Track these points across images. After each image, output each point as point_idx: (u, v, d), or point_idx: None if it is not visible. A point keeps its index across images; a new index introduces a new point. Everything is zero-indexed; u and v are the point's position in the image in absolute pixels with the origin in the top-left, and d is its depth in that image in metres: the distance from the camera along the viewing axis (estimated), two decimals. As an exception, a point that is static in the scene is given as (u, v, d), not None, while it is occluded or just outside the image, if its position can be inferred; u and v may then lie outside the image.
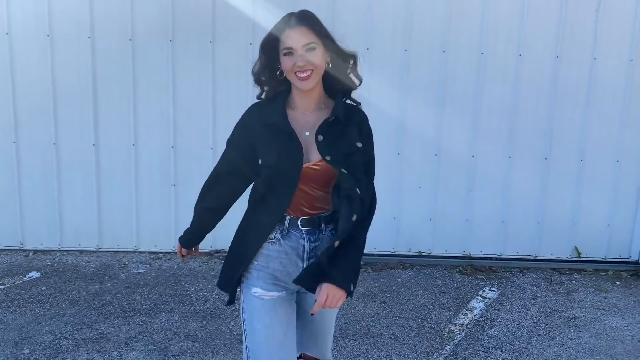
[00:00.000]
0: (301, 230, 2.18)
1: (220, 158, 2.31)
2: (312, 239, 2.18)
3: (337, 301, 2.05)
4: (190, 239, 2.56)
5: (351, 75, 2.21)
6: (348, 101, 2.24)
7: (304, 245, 2.18)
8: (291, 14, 2.11)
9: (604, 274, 5.76)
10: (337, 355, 4.00)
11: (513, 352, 4.11)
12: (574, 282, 5.54)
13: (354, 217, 2.08)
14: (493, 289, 5.30)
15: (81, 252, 5.93)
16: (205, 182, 2.37)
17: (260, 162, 2.14)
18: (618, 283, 5.55)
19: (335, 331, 3.60)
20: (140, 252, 5.95)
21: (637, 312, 4.89)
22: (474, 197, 5.81)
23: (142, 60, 5.59)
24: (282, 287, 2.25)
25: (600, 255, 5.90)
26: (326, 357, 2.45)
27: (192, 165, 5.76)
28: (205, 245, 5.69)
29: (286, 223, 2.20)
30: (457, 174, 5.75)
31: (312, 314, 2.15)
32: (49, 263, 5.66)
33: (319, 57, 2.09)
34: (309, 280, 2.07)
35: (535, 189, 5.78)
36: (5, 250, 5.92)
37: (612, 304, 5.06)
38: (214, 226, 2.47)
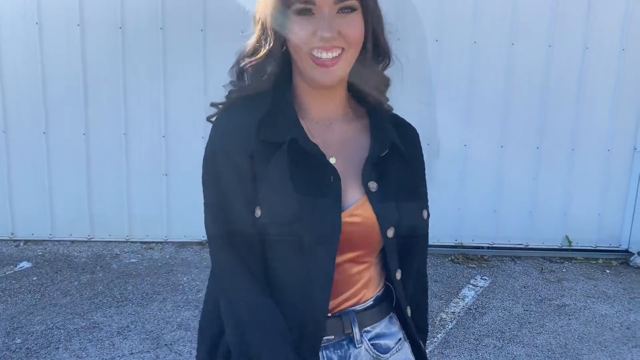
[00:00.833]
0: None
1: (208, 222, 1.32)
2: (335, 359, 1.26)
3: None
4: None
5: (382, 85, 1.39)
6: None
7: None
8: None
9: (594, 262, 5.79)
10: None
11: (504, 340, 4.14)
12: (564, 270, 5.58)
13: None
14: (484, 277, 5.33)
15: (72, 242, 5.91)
16: (218, 284, 1.30)
17: (259, 214, 1.23)
18: (608, 271, 5.59)
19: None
20: (132, 242, 5.93)
21: (626, 299, 4.94)
22: (466, 186, 5.82)
23: (132, 48, 5.55)
24: None
25: (590, 244, 5.93)
26: None
27: (184, 155, 5.73)
28: (198, 235, 5.73)
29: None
30: (449, 163, 5.76)
31: None
32: (40, 253, 5.64)
33: (358, 28, 1.23)
34: None
35: (527, 178, 5.80)
36: (-5, 240, 5.90)
37: (602, 291, 5.09)
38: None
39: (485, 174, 5.80)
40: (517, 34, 5.53)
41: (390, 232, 1.27)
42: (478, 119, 5.68)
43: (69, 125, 5.71)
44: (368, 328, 1.31)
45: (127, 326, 4.18)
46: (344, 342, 1.27)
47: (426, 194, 1.40)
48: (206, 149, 1.29)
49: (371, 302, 1.33)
